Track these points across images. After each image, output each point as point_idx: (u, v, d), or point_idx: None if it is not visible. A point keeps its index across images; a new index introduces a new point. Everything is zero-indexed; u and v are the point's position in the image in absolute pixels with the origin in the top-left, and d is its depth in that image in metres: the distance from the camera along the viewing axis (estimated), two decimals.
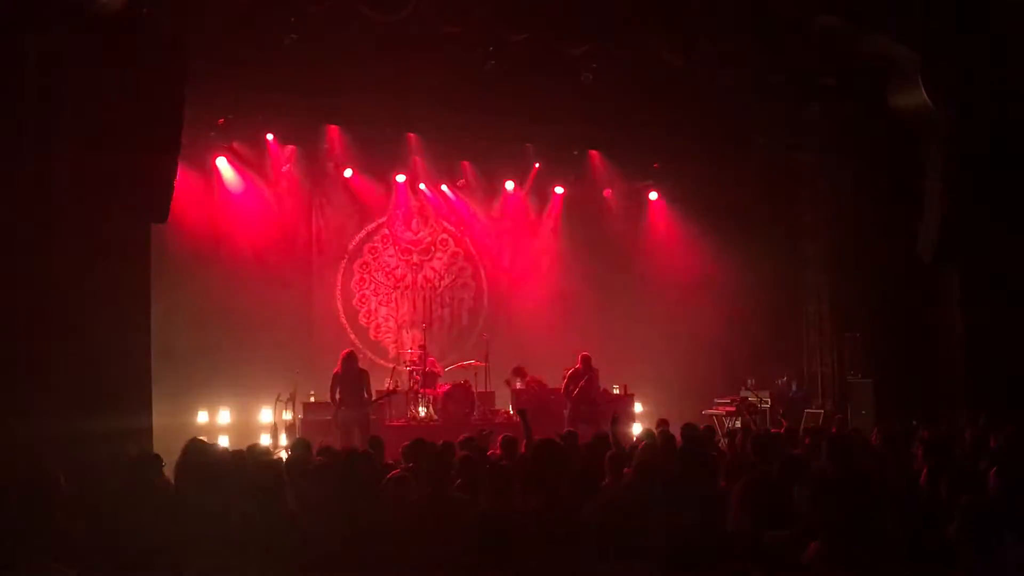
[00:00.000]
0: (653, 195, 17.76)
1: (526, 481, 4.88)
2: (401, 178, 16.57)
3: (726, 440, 9.91)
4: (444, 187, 17.05)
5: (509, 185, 17.32)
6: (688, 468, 5.70)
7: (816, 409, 15.47)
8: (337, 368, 12.74)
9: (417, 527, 5.29)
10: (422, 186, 16.90)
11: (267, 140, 15.22)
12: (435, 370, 14.93)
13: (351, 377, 12.68)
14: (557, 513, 4.58)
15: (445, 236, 17.37)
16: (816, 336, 16.35)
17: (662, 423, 10.27)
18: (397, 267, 17.04)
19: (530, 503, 4.66)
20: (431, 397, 14.49)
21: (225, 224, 15.20)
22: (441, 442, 8.10)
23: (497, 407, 15.23)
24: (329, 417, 12.67)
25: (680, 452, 6.39)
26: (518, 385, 14.78)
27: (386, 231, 16.99)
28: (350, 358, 12.85)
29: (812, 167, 16.32)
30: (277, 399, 13.71)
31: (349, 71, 12.63)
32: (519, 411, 8.83)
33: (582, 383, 13.76)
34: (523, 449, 8.09)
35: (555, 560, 4.29)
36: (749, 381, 16.14)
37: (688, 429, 8.88)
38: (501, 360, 15.59)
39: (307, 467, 6.57)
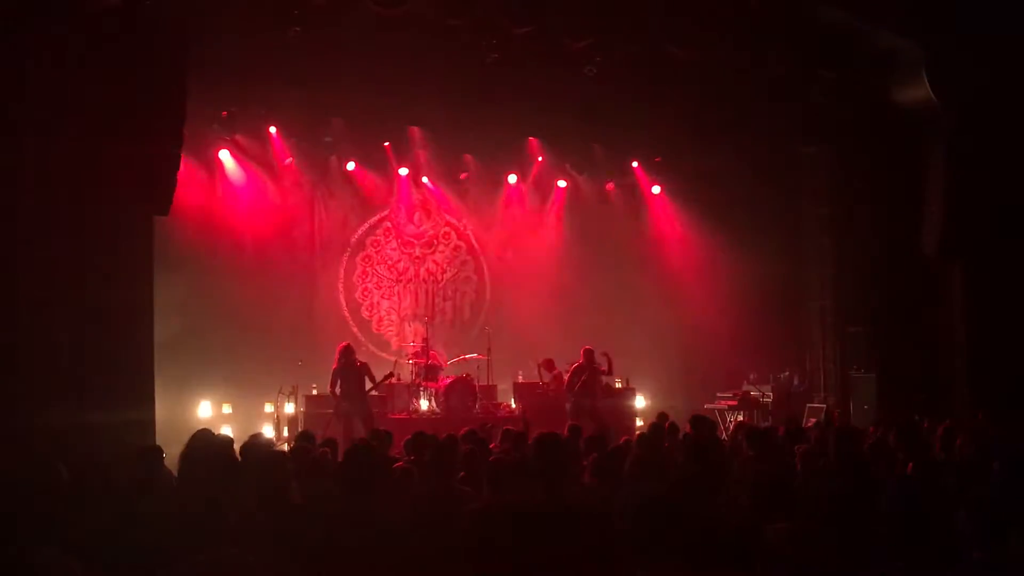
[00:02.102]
0: (656, 189, 17.74)
1: (528, 474, 4.87)
2: (404, 171, 16.56)
3: (733, 435, 9.89)
4: (446, 180, 17.04)
5: (512, 178, 17.30)
6: (698, 462, 5.68)
7: (818, 404, 15.48)
8: (335, 363, 12.78)
9: (419, 520, 5.29)
10: (425, 179, 16.90)
11: (270, 133, 15.21)
12: (437, 363, 14.93)
13: (350, 370, 12.72)
14: (559, 507, 4.57)
15: (447, 229, 17.37)
16: (818, 331, 16.35)
17: (661, 417, 10.25)
18: (399, 260, 17.04)
19: (532, 496, 4.66)
20: (433, 390, 14.49)
21: (228, 217, 15.20)
22: (444, 435, 8.10)
23: (499, 400, 15.24)
24: (331, 410, 12.70)
25: (690, 446, 6.37)
26: (547, 380, 14.72)
27: (388, 224, 16.99)
28: (347, 351, 12.89)
29: (815, 162, 16.32)
30: (279, 391, 13.74)
31: (352, 64, 12.60)
32: (523, 420, 8.84)
33: (584, 377, 13.76)
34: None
35: (557, 554, 4.29)
36: (751, 375, 16.14)
37: (698, 422, 8.79)
38: (503, 353, 15.62)
39: (309, 459, 6.56)
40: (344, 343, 13.26)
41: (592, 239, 17.56)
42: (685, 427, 8.65)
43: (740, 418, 14.58)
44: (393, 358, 15.68)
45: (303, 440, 7.89)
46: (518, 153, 16.83)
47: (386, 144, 16.03)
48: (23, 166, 9.67)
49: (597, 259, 17.36)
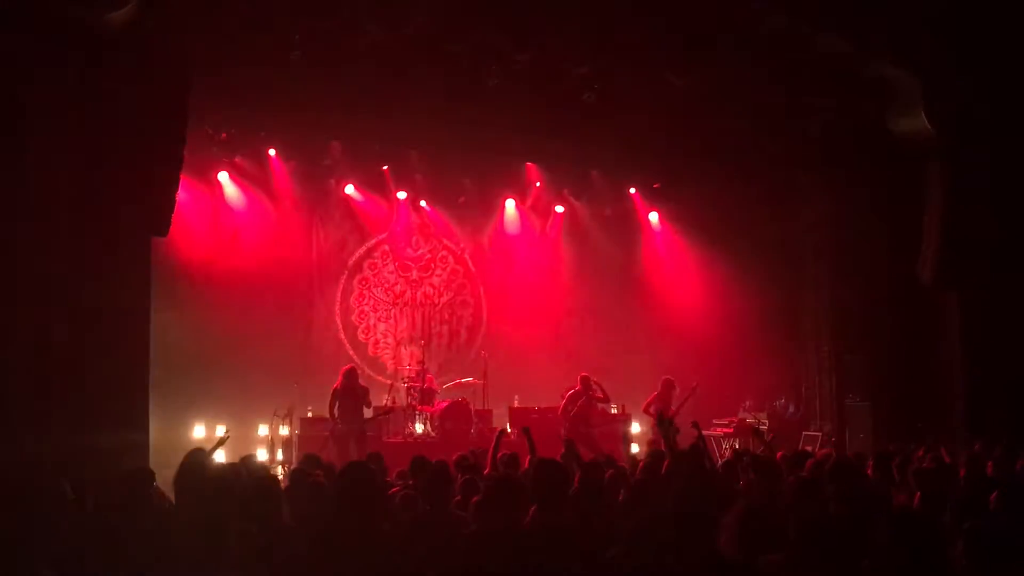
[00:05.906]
0: (653, 215, 17.77)
1: (527, 498, 4.85)
2: (402, 195, 16.60)
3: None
4: (444, 204, 17.07)
5: (510, 203, 17.34)
6: (691, 489, 5.67)
7: (814, 432, 15.44)
8: (337, 383, 12.78)
9: (415, 544, 5.26)
10: (423, 203, 16.93)
11: (269, 155, 15.25)
12: (433, 387, 14.90)
13: (350, 393, 12.72)
14: (556, 531, 4.56)
15: (445, 253, 17.39)
16: (814, 358, 16.31)
17: (653, 443, 10.22)
18: (396, 283, 17.04)
19: (529, 521, 4.64)
20: (428, 414, 14.45)
21: (226, 238, 15.22)
22: (435, 460, 8.06)
23: (495, 425, 15.18)
24: (327, 433, 12.67)
25: (684, 473, 6.35)
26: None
27: (386, 247, 17.01)
28: (350, 374, 12.91)
29: (812, 189, 16.33)
30: (274, 414, 13.69)
31: (352, 87, 12.65)
32: (523, 429, 8.79)
33: (580, 402, 13.73)
34: (526, 465, 8.04)
35: None
36: (746, 403, 16.09)
37: (694, 450, 8.74)
38: (499, 378, 15.57)
39: (306, 482, 6.53)
40: (349, 365, 13.32)
41: (589, 265, 17.58)
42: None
43: (736, 445, 14.54)
44: (389, 381, 15.66)
45: (303, 463, 7.83)
46: (516, 178, 16.88)
47: (385, 167, 16.08)
48: (23, 186, 9.67)
49: (594, 284, 17.38)
